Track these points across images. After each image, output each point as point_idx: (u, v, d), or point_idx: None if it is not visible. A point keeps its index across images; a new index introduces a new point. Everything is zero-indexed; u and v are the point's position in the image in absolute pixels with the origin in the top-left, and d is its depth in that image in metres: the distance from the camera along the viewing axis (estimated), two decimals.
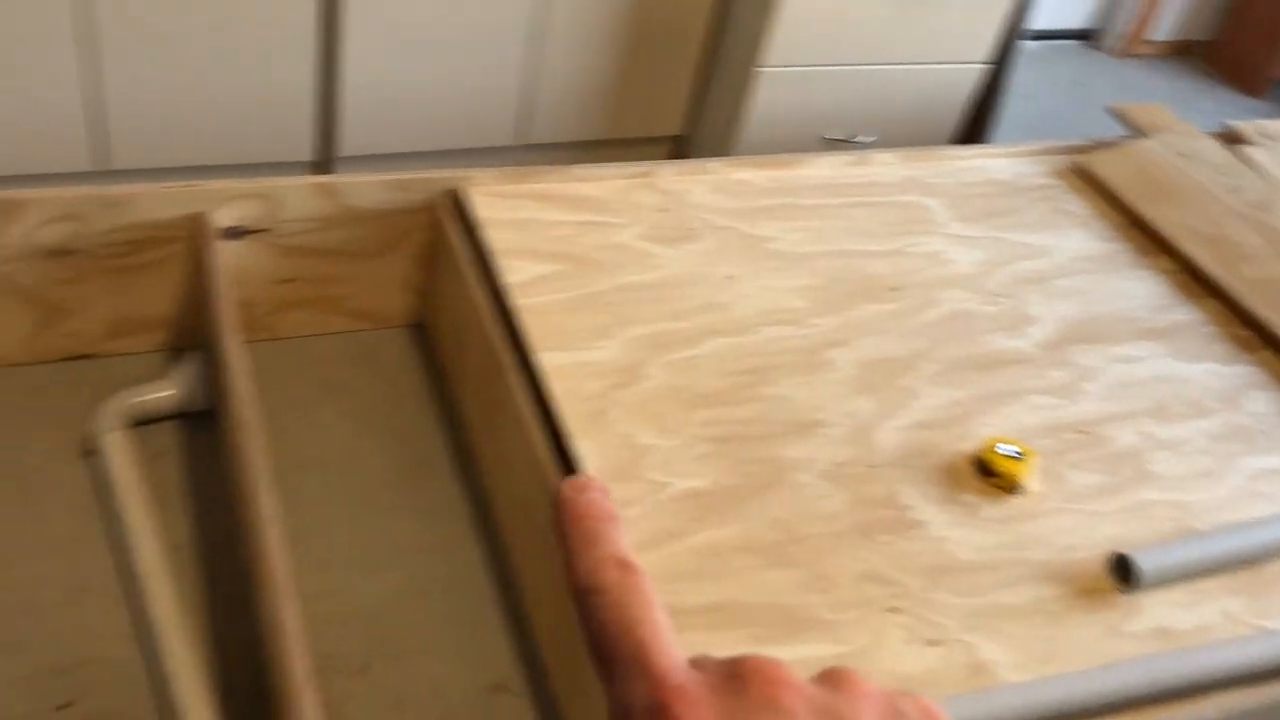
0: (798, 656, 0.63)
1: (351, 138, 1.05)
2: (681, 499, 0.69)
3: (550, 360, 0.76)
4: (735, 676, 0.31)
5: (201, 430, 0.84)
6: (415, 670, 0.73)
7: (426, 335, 0.96)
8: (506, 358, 0.77)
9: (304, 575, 0.77)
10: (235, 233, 0.83)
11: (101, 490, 0.78)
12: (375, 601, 0.77)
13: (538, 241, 0.85)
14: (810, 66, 1.11)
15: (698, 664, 0.32)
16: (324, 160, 1.06)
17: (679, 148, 1.25)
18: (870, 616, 0.66)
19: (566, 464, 0.71)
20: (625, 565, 0.30)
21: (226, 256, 0.83)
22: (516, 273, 0.82)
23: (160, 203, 0.79)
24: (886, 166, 1.03)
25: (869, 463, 0.74)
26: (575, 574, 0.30)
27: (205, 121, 0.97)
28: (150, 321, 0.86)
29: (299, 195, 0.83)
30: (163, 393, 0.82)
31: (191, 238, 0.82)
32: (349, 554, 0.79)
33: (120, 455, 0.78)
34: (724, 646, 0.62)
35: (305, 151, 1.04)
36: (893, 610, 0.66)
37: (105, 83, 0.90)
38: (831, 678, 0.32)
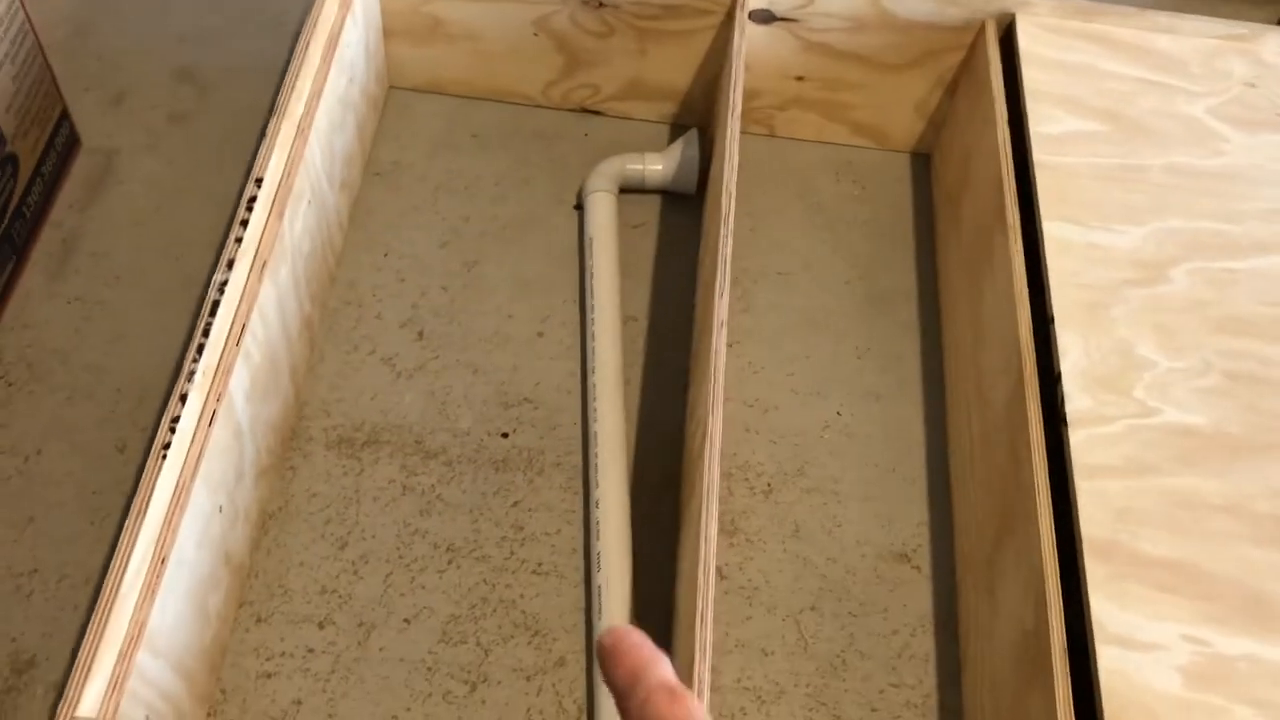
0: (1254, 654, 0.52)
1: None
2: (1168, 432, 0.59)
3: (1058, 232, 0.66)
4: None
5: (684, 211, 0.84)
6: (821, 508, 0.71)
7: (930, 168, 0.88)
8: (1011, 216, 0.68)
9: (742, 380, 0.76)
10: (764, 16, 0.79)
11: (581, 244, 0.81)
12: (801, 427, 0.74)
13: (1085, 92, 0.73)
14: None
15: None
16: None
17: None
18: None
19: (1046, 351, 0.63)
20: (675, 693, 0.29)
21: (748, 40, 0.80)
22: (1050, 123, 0.71)
23: None
24: None
25: None
26: (628, 714, 0.29)
27: None
28: (663, 91, 0.86)
29: None
30: (654, 166, 0.82)
31: (723, 13, 0.79)
32: (788, 373, 0.77)
33: (603, 217, 0.79)
34: (1171, 615, 0.53)
35: None
36: None
37: None
38: None
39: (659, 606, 0.66)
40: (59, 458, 0.69)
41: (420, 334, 0.76)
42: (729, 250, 0.65)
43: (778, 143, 0.89)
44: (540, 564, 0.67)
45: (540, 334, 0.77)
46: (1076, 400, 0.60)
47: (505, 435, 0.72)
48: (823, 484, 0.72)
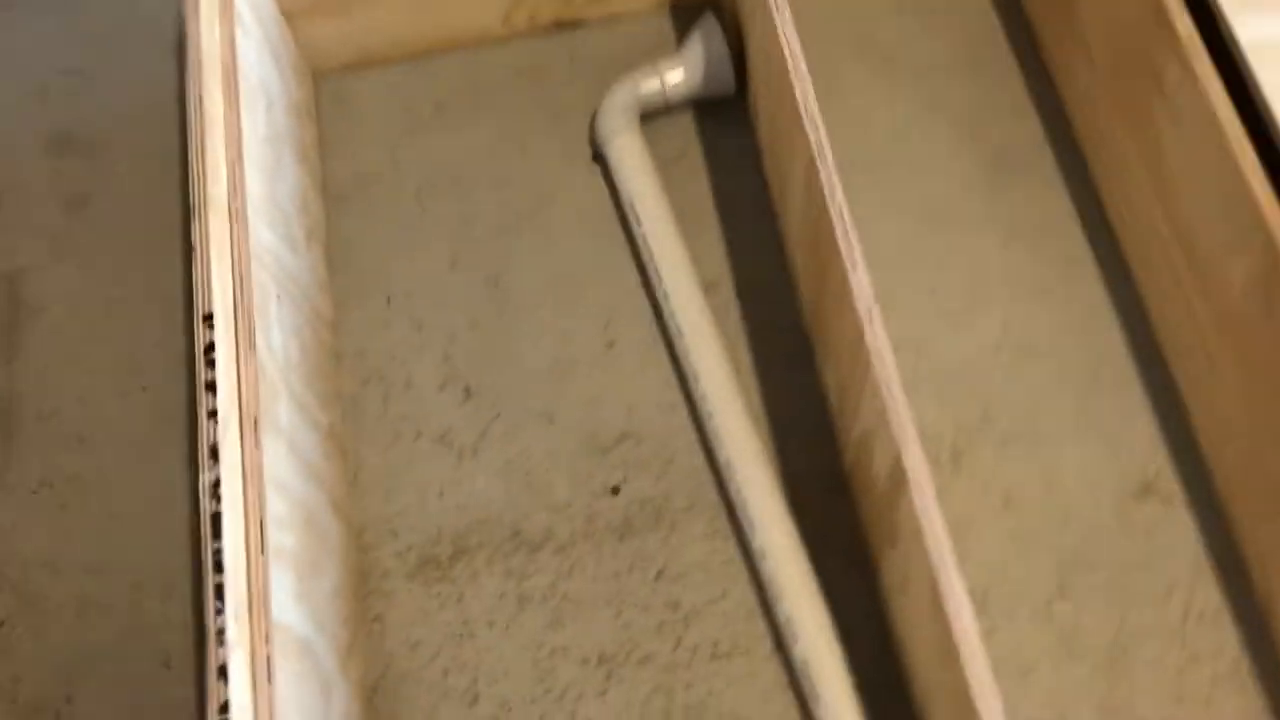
0: None
1: None
2: None
3: (1257, 31, 0.49)
4: None
5: (726, 119, 0.66)
6: (1026, 460, 0.56)
7: None
8: (1180, 23, 0.50)
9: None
10: None
11: (619, 212, 0.63)
12: (965, 358, 0.59)
13: None
14: None
15: None
16: None
17: None
18: None
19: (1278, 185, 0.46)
20: None
21: None
22: None
23: None
24: None
25: None
26: None
27: None
28: None
29: None
30: (674, 78, 0.64)
31: None
32: (926, 292, 0.60)
33: (634, 168, 0.62)
34: None
35: None
36: None
37: None
38: None
39: (870, 659, 0.52)
40: (94, 699, 0.55)
41: (467, 391, 0.60)
42: (840, 198, 0.48)
43: None
44: (717, 644, 0.54)
45: (610, 344, 0.61)
46: None
47: (615, 490, 0.57)
48: (1018, 428, 0.57)
